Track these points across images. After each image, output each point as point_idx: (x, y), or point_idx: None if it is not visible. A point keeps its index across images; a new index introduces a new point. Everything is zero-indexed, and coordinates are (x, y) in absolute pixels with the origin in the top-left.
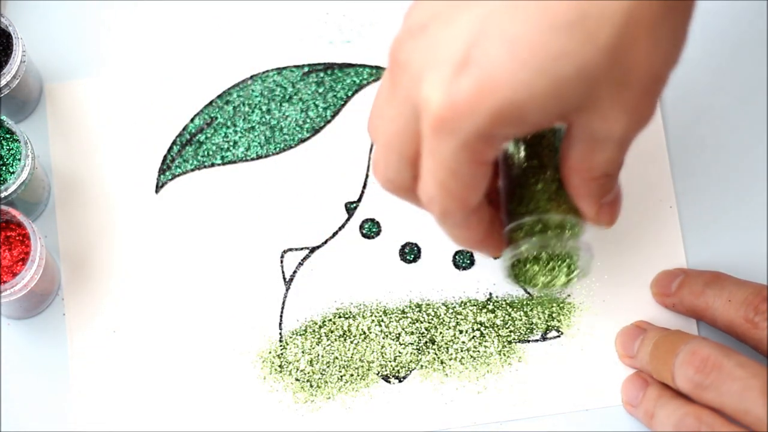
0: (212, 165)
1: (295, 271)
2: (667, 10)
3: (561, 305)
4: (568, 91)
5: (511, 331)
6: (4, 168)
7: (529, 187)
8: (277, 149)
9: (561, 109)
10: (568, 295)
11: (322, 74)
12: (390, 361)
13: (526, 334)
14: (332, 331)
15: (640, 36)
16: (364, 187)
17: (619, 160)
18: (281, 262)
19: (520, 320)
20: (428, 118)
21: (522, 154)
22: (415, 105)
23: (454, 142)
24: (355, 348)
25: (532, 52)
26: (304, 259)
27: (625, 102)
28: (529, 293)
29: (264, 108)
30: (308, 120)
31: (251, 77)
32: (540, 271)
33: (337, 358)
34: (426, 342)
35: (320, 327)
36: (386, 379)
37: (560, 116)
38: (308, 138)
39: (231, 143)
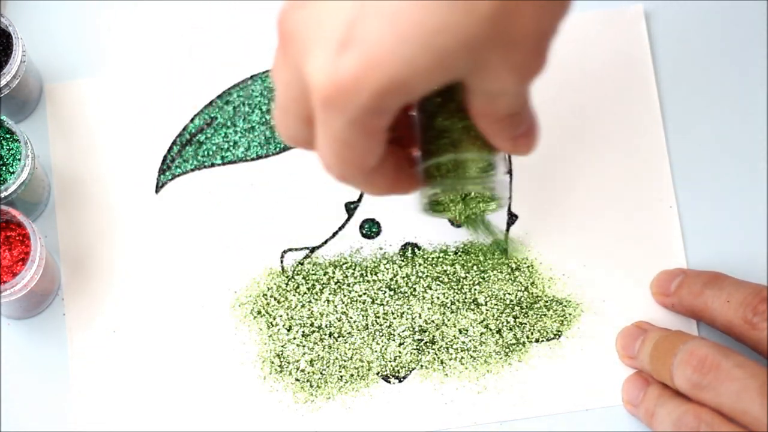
0: (212, 165)
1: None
2: None
3: (573, 308)
4: (453, 62)
5: (511, 331)
6: (4, 168)
7: (442, 125)
8: (277, 149)
9: (448, 77)
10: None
11: None
12: (390, 361)
13: (527, 335)
14: (332, 331)
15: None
16: None
17: (521, 102)
18: (281, 262)
19: (521, 321)
20: (315, 95)
21: (434, 93)
22: (303, 77)
23: (342, 118)
24: (355, 348)
25: (413, 27)
26: (304, 259)
27: (514, 61)
28: (455, 224)
29: (264, 108)
30: None
31: (251, 77)
32: (458, 206)
33: (337, 358)
34: (426, 342)
35: (321, 327)
36: (386, 379)
37: (450, 82)
38: None
39: (231, 143)
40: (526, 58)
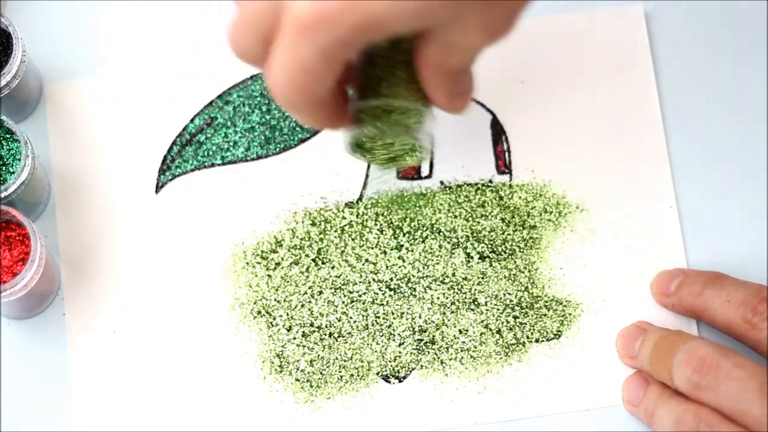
0: (212, 165)
1: None
2: None
3: (573, 308)
4: (435, 11)
5: (511, 331)
6: (4, 168)
7: (385, 69)
8: (277, 149)
9: (424, 25)
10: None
11: None
12: (390, 361)
13: (527, 335)
14: (332, 332)
15: None
16: (364, 187)
17: (472, 61)
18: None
19: (521, 321)
20: (291, 19)
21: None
22: None
23: (313, 46)
24: (355, 348)
25: None
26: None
27: (488, 21)
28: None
29: (264, 108)
30: None
31: (251, 77)
32: (380, 151)
33: (337, 358)
34: (426, 342)
35: (321, 327)
36: (386, 379)
37: (422, 29)
38: (308, 138)
39: (231, 143)
40: (499, 20)
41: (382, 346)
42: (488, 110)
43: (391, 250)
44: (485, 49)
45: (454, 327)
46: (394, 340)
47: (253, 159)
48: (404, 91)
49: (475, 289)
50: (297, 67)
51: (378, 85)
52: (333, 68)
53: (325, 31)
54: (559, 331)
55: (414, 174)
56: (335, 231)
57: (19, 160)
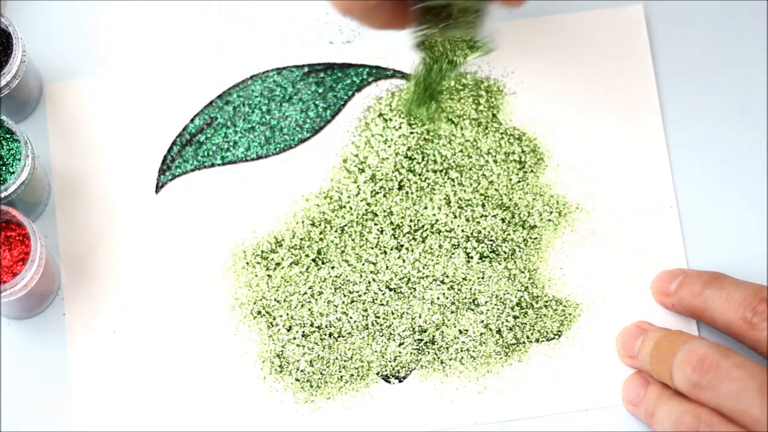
0: (212, 165)
1: None
2: None
3: (573, 308)
4: None
5: (511, 332)
6: (4, 168)
7: None
8: (277, 149)
9: None
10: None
11: (322, 74)
12: (390, 361)
13: (527, 335)
14: (332, 332)
15: None
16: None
17: None
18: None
19: (521, 321)
20: None
21: None
22: None
23: None
24: (355, 348)
25: None
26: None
27: None
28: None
29: (264, 108)
30: (308, 120)
31: (251, 77)
32: (443, 49)
33: (337, 358)
34: (426, 342)
35: (321, 327)
36: (386, 379)
37: None
38: (308, 138)
39: (231, 143)
40: None
41: (382, 346)
42: None
43: (391, 250)
44: None
45: (454, 327)
46: (394, 340)
47: (253, 159)
48: None
49: (475, 289)
50: None
51: None
52: None
53: None
54: (559, 331)
55: None
56: (335, 231)
57: (19, 160)
